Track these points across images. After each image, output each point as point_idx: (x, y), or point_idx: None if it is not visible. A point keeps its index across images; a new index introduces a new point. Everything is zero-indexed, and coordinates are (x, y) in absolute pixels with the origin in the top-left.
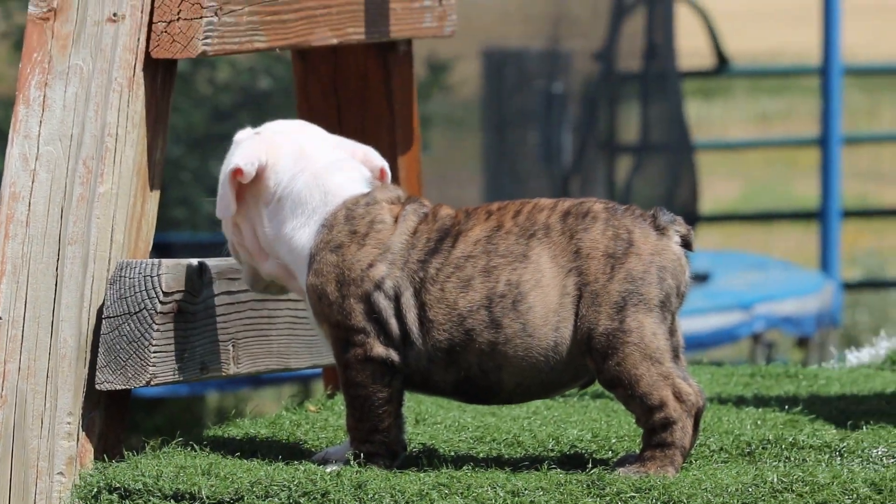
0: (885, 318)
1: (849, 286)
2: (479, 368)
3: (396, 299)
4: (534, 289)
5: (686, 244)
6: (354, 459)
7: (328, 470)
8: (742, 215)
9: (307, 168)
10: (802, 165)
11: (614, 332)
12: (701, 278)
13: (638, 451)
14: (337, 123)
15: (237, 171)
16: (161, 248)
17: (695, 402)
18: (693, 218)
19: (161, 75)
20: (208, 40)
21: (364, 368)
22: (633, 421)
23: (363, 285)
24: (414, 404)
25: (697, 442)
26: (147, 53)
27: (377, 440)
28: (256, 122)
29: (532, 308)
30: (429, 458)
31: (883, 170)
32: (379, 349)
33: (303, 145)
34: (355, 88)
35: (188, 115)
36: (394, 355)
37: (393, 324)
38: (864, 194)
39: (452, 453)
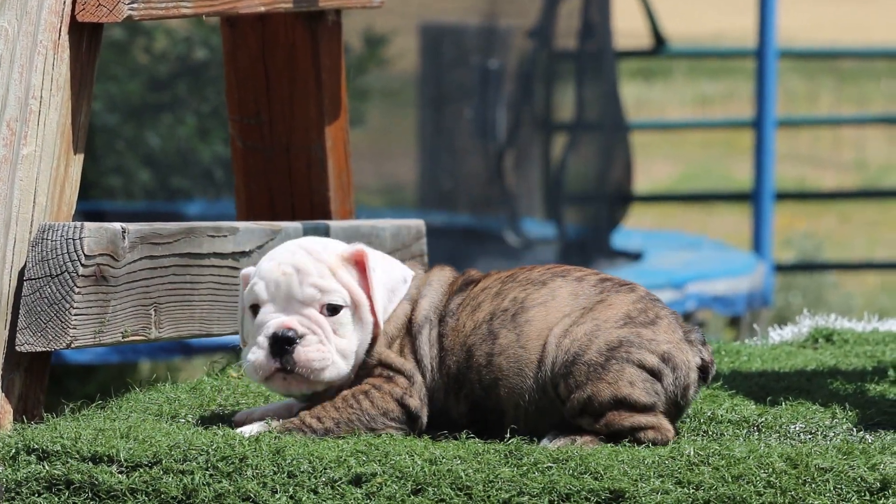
0: (818, 300)
1: (782, 268)
2: (480, 386)
3: (427, 340)
4: (538, 306)
5: (703, 371)
6: (279, 419)
7: (245, 431)
8: (678, 195)
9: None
10: (740, 147)
11: (596, 366)
12: (634, 256)
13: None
14: (265, 92)
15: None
16: (95, 217)
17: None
18: (627, 197)
19: (87, 39)
20: (134, 4)
21: (389, 402)
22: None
23: (412, 325)
24: None
25: None
26: (73, 17)
27: (326, 426)
28: (192, 92)
29: (530, 322)
30: None
31: (821, 154)
32: (415, 401)
33: None
34: (284, 58)
35: (125, 84)
36: (424, 415)
37: (427, 369)
38: (803, 177)
39: None
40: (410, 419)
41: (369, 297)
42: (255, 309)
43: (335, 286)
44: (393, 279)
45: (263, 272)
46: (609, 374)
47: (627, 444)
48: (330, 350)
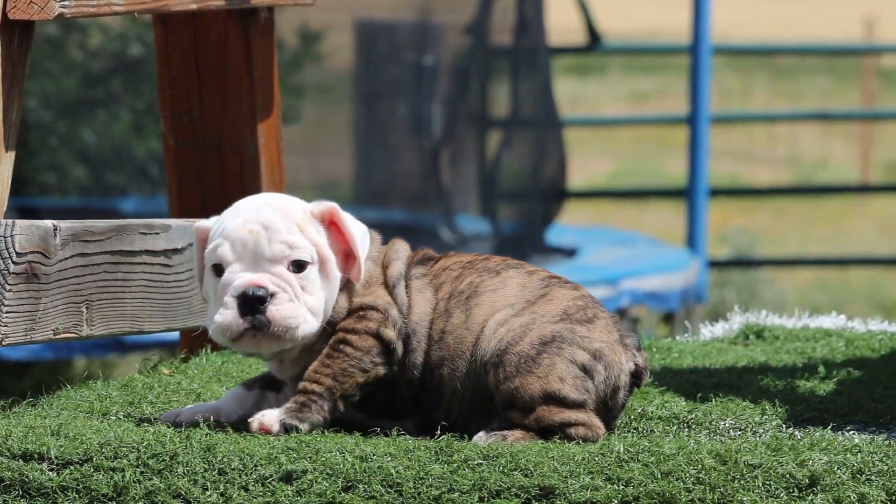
0: (752, 296)
1: (716, 264)
2: (426, 362)
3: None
4: (489, 292)
5: (636, 377)
6: (296, 399)
7: (266, 420)
8: (613, 192)
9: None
10: (674, 144)
11: (527, 358)
12: (569, 253)
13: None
14: (197, 89)
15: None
16: (29, 213)
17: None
18: (561, 193)
19: (18, 37)
20: (65, 2)
21: (367, 339)
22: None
23: (387, 280)
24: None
25: None
26: (4, 14)
27: (326, 384)
28: (127, 88)
29: (479, 305)
30: None
31: (755, 150)
32: (390, 332)
33: None
34: (216, 55)
35: (59, 80)
36: (399, 347)
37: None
38: (737, 174)
39: None
40: (388, 352)
41: (340, 252)
42: (218, 268)
43: (303, 242)
44: (360, 233)
45: (228, 231)
46: (539, 367)
47: (558, 441)
48: (300, 307)
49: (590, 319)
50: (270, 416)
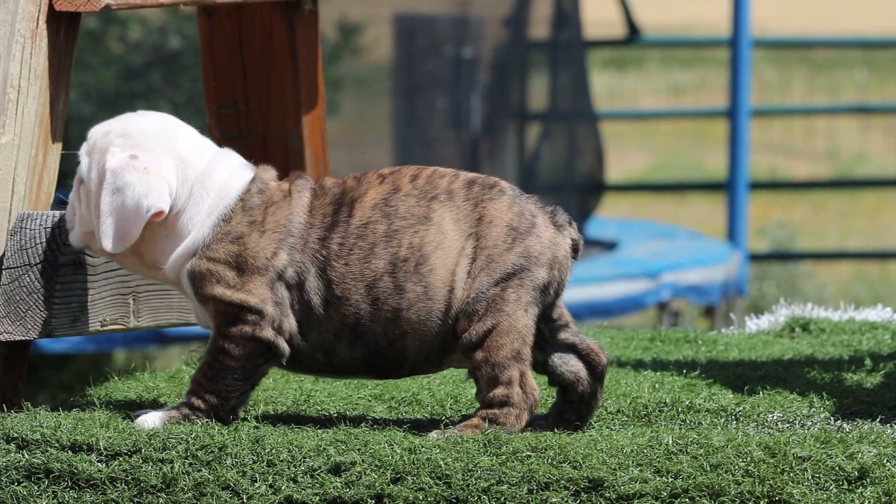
0: (792, 289)
1: (756, 257)
2: (386, 338)
3: (299, 287)
4: (436, 250)
5: (574, 249)
6: (179, 409)
7: (147, 422)
8: (652, 185)
9: (191, 176)
10: (712, 137)
11: (495, 297)
12: (609, 246)
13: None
14: (242, 81)
15: (158, 214)
16: None
17: (537, 398)
18: (600, 186)
19: (64, 28)
20: None
21: (245, 345)
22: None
23: (268, 273)
24: None
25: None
26: (51, 6)
27: (210, 402)
28: (168, 80)
29: (433, 270)
30: (327, 415)
31: (794, 143)
32: (268, 332)
33: (179, 153)
34: (260, 46)
35: (99, 73)
36: (281, 343)
37: (290, 316)
38: (775, 167)
39: (351, 410)
40: (269, 352)
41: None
42: None
43: (83, 161)
44: (127, 208)
45: None
46: (508, 304)
47: (605, 433)
48: (70, 215)
49: (533, 224)
50: (152, 422)
